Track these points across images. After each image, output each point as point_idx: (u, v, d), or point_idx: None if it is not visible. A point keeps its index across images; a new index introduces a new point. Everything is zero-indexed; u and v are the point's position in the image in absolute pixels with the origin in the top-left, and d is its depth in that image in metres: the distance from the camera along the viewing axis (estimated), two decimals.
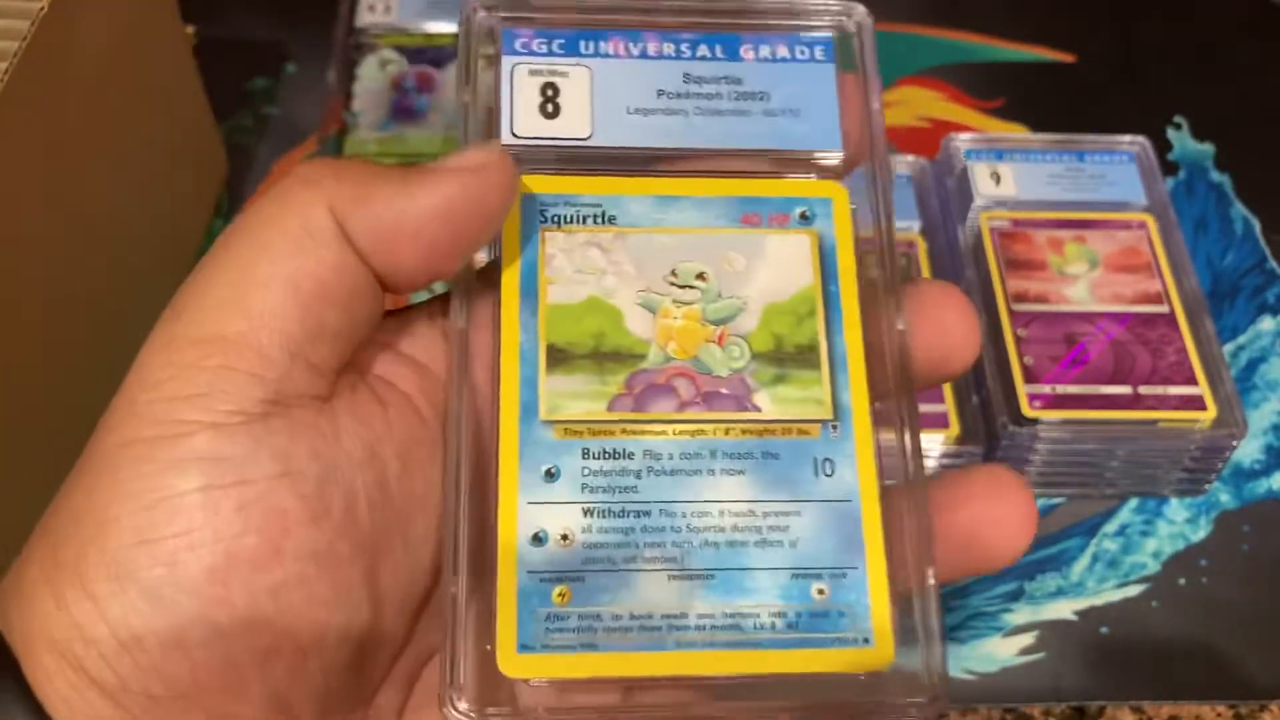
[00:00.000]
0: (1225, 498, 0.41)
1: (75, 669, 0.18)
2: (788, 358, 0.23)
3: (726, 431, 0.22)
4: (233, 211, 0.47)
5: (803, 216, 0.24)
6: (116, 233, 0.38)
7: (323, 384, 0.20)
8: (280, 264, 0.20)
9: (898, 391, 0.22)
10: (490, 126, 0.23)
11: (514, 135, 0.23)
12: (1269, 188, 0.50)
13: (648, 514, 0.21)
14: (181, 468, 0.19)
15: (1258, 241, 0.48)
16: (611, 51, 0.24)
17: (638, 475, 0.22)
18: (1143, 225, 0.44)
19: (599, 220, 0.23)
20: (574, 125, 0.23)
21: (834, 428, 0.22)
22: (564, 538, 0.21)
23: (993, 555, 0.22)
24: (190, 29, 0.49)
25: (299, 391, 0.20)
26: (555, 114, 0.23)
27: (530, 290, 0.22)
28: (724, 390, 0.22)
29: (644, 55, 0.24)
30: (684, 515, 0.21)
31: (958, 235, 0.44)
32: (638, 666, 0.21)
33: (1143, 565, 0.40)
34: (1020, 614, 0.39)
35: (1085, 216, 0.44)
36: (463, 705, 0.20)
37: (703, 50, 0.24)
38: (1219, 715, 0.37)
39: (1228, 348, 0.45)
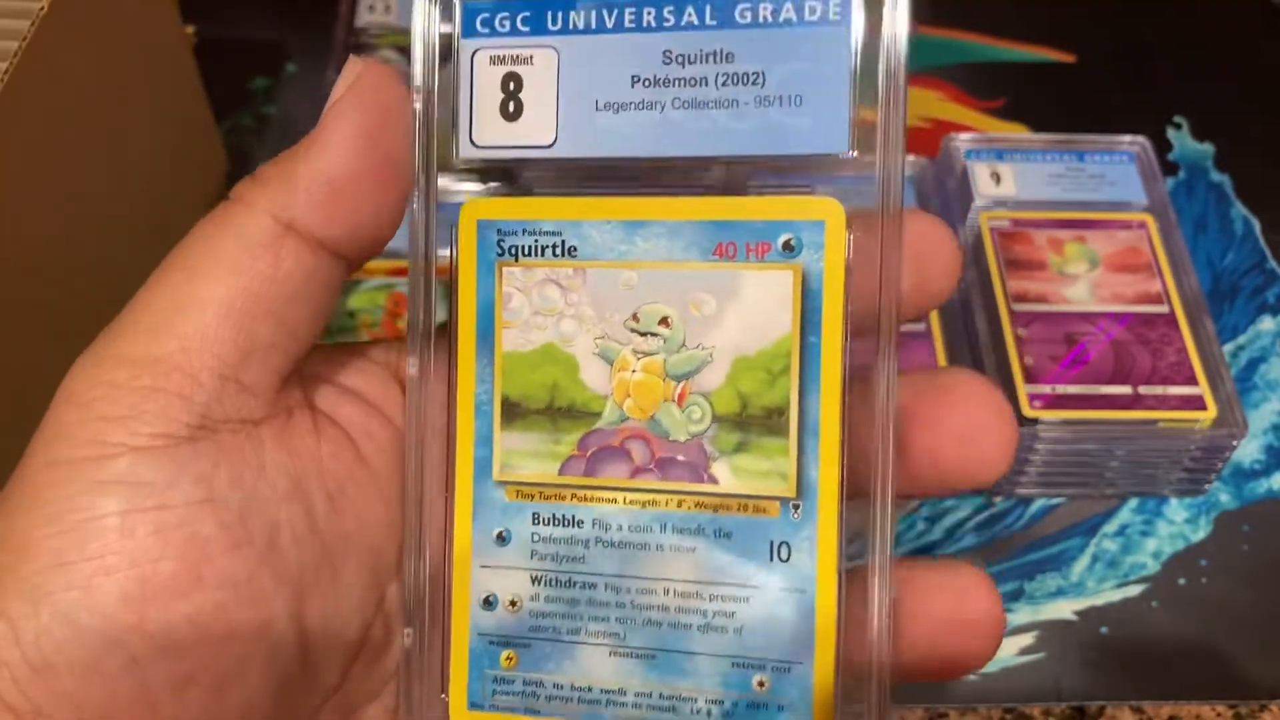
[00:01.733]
0: (1225, 498, 0.41)
1: None
2: (753, 421, 0.20)
3: (679, 504, 0.21)
4: None
5: (786, 246, 0.20)
6: (116, 233, 0.38)
7: (255, 405, 0.20)
8: (215, 285, 0.19)
9: (879, 465, 0.20)
10: (454, 133, 0.21)
11: (474, 144, 0.21)
12: (1269, 188, 0.50)
13: (593, 586, 0.21)
14: (103, 490, 0.18)
15: (1258, 241, 0.48)
16: (581, 25, 0.20)
17: (586, 545, 0.21)
18: (1143, 225, 0.44)
19: (559, 252, 0.21)
20: (537, 129, 0.21)
21: (795, 508, 0.20)
22: (512, 603, 0.21)
23: (959, 663, 0.21)
24: (190, 29, 0.49)
25: (227, 415, 0.19)
26: (517, 114, 0.21)
27: (486, 335, 0.21)
28: (680, 457, 0.21)
29: (619, 27, 0.20)
30: (629, 591, 0.21)
31: (958, 235, 0.44)
32: None
33: (1143, 565, 0.40)
34: (1020, 614, 0.39)
35: (1085, 216, 0.44)
36: None
37: (689, 14, 0.20)
38: (1219, 715, 0.37)
39: (1228, 348, 0.45)
